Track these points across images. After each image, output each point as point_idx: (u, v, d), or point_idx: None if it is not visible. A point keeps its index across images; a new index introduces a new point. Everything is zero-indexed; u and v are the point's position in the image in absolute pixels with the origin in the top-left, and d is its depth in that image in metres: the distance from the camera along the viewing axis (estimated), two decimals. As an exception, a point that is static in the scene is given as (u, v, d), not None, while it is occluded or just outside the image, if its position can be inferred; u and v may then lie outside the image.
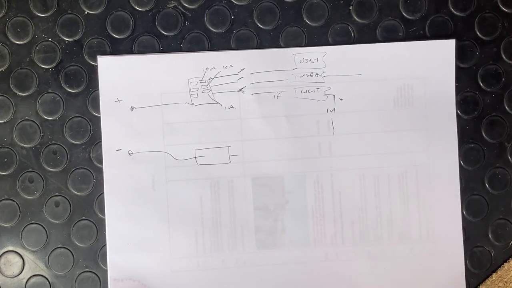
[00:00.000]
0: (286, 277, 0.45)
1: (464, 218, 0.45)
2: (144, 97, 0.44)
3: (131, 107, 0.44)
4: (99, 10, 0.45)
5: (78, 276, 0.45)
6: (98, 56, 0.45)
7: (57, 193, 0.45)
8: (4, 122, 0.45)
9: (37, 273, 0.45)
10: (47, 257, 0.45)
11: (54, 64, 0.45)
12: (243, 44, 0.45)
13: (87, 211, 0.45)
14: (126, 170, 0.44)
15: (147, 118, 0.44)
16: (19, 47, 0.45)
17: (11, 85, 0.45)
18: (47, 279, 0.45)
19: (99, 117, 0.44)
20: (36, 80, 0.45)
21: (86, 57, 0.45)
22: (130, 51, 0.45)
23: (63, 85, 0.45)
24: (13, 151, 0.45)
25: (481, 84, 0.46)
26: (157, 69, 0.45)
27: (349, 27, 0.46)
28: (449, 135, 0.45)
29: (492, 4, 0.46)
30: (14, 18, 0.45)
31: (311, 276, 0.45)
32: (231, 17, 0.45)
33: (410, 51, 0.45)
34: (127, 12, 0.45)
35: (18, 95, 0.45)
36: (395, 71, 0.45)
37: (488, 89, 0.46)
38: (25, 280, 0.45)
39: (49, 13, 0.45)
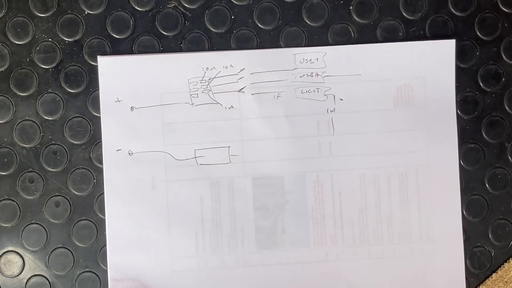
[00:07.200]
0: (286, 277, 0.45)
1: (464, 218, 0.45)
2: (144, 97, 0.44)
3: (131, 107, 0.44)
4: (99, 10, 0.45)
5: (78, 276, 0.45)
6: (98, 56, 0.45)
7: (57, 193, 0.45)
8: (4, 122, 0.45)
9: (37, 273, 0.45)
10: (47, 257, 0.45)
11: (54, 64, 0.45)
12: (243, 44, 0.45)
13: (87, 211, 0.45)
14: (126, 170, 0.44)
15: (147, 118, 0.44)
16: (19, 47, 0.45)
17: (11, 85, 0.45)
18: (47, 279, 0.45)
19: (99, 117, 0.44)
20: (36, 80, 0.45)
21: (86, 57, 0.45)
22: (130, 51, 0.45)
23: (63, 85, 0.45)
24: (13, 151, 0.45)
25: (481, 84, 0.46)
26: (157, 69, 0.45)
27: (349, 27, 0.46)
28: (449, 135, 0.45)
29: (492, 4, 0.46)
30: (14, 18, 0.45)
31: (311, 276, 0.45)
32: (231, 17, 0.45)
33: (410, 51, 0.45)
34: (127, 12, 0.45)
35: (18, 95, 0.45)
36: (395, 71, 0.45)
37: (488, 89, 0.46)
38: (25, 280, 0.45)
39: (49, 13, 0.45)
